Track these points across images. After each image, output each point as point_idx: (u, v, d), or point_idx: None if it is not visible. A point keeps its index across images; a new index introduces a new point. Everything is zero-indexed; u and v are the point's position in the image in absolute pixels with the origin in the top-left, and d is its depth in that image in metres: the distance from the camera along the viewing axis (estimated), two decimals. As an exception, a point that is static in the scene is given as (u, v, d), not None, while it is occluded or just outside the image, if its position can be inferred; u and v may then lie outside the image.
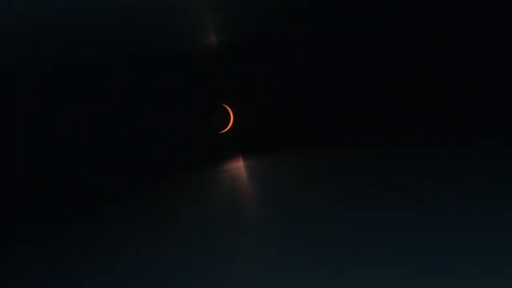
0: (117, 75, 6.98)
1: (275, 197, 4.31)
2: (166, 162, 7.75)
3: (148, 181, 7.08)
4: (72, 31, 5.16)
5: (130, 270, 2.92)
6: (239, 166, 6.80)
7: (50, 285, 3.00)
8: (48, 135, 7.27)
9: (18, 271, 3.49)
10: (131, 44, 6.14)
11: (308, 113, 8.44)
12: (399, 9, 6.93)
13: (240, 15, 5.92)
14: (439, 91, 7.48)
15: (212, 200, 4.87)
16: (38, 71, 6.16)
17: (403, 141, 6.10)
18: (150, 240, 3.58)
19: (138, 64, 6.92)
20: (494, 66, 6.77)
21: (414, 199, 3.13)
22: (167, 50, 6.66)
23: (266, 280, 2.29)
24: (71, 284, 2.91)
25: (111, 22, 5.13)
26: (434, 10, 6.94)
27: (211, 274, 2.53)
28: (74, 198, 6.76)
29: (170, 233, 3.70)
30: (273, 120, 8.35)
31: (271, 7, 5.89)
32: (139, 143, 7.76)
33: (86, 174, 7.41)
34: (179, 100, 7.93)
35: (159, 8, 5.00)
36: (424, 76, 7.61)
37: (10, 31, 4.76)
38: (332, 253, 2.44)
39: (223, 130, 8.37)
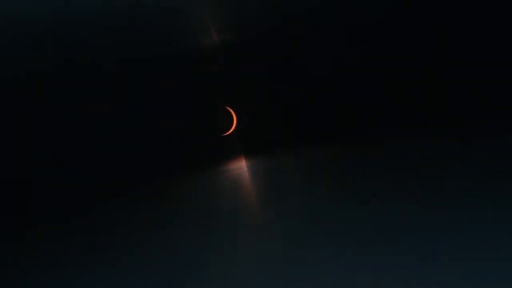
0: (118, 76, 6.98)
1: (277, 197, 4.31)
2: (168, 163, 7.75)
3: (150, 181, 7.08)
4: (72, 31, 5.16)
5: (131, 270, 2.92)
6: (241, 167, 6.80)
7: (50, 285, 3.00)
8: (48, 135, 7.27)
9: (18, 271, 3.49)
10: (131, 44, 6.14)
11: (308, 113, 8.44)
12: (399, 9, 6.92)
13: (240, 15, 5.92)
14: (439, 91, 7.48)
15: (214, 200, 4.87)
16: (38, 71, 6.16)
17: (404, 141, 6.10)
18: (151, 240, 3.58)
19: (138, 64, 6.92)
20: (494, 66, 6.77)
21: (414, 199, 3.13)
22: (167, 50, 6.66)
23: (268, 280, 2.29)
24: (71, 284, 2.91)
25: (111, 22, 5.13)
26: (434, 10, 6.94)
27: (212, 274, 2.53)
28: (75, 198, 6.76)
29: (172, 233, 3.70)
30: (274, 120, 8.35)
31: (271, 7, 5.89)
32: (141, 143, 7.76)
33: (91, 174, 7.41)
34: (181, 101, 7.93)
35: (159, 8, 5.00)
36: (424, 76, 7.61)
37: (9, 31, 4.76)
38: (334, 253, 2.44)
39: (226, 132, 8.38)
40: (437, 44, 7.33)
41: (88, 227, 4.70)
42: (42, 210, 6.38)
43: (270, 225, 3.34)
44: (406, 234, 2.51)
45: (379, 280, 2.01)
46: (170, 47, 6.54)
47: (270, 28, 6.85)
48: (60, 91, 6.93)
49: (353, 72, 7.98)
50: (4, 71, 5.83)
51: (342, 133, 7.77)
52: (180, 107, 8.00)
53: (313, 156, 6.56)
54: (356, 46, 7.66)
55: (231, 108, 8.40)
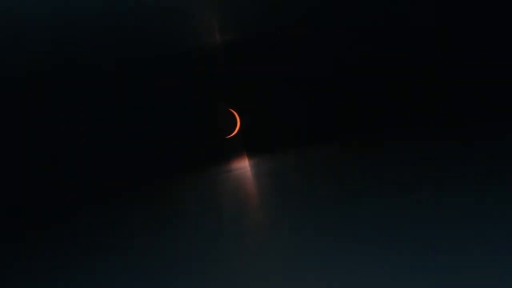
0: (118, 76, 6.98)
1: (279, 197, 4.31)
2: (171, 163, 7.76)
3: (152, 182, 7.09)
4: (72, 31, 5.17)
5: (133, 270, 2.92)
6: (243, 167, 6.80)
7: (50, 285, 3.00)
8: (48, 135, 7.27)
9: (18, 271, 3.49)
10: (131, 44, 6.14)
11: (309, 113, 8.44)
12: (398, 9, 6.92)
13: (240, 15, 5.92)
14: (439, 91, 7.48)
15: (217, 200, 4.87)
16: (38, 71, 6.16)
17: (404, 141, 6.10)
18: (154, 240, 3.58)
19: (139, 64, 6.92)
20: (494, 66, 6.77)
21: (415, 199, 3.13)
22: (167, 50, 6.66)
23: (270, 280, 2.29)
24: (71, 284, 2.91)
25: (111, 22, 5.14)
26: (434, 10, 6.94)
27: (214, 274, 2.53)
28: (75, 198, 6.76)
29: (173, 233, 3.70)
30: (275, 120, 8.36)
31: (272, 7, 5.89)
32: (143, 144, 7.77)
33: (91, 174, 7.41)
34: (182, 102, 7.94)
35: (159, 8, 5.00)
36: (424, 76, 7.61)
37: (10, 31, 4.76)
38: (336, 253, 2.44)
39: (229, 135, 8.40)
40: (437, 44, 7.34)
41: (89, 227, 4.71)
42: (42, 210, 6.38)
43: (271, 225, 3.34)
44: (407, 233, 2.51)
45: (380, 280, 2.01)
46: (170, 47, 6.54)
47: (270, 28, 6.85)
48: (60, 91, 6.93)
49: (354, 72, 7.98)
50: (4, 71, 5.83)
51: (343, 133, 7.77)
52: (181, 107, 8.01)
53: (315, 156, 6.56)
54: (356, 46, 7.66)
55: (232, 109, 8.41)
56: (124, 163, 7.58)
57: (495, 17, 6.65)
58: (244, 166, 6.90)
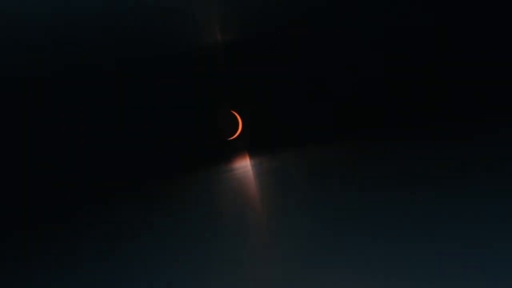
0: (119, 76, 6.98)
1: (281, 197, 4.31)
2: (170, 164, 7.76)
3: (153, 182, 7.09)
4: (72, 31, 5.17)
5: (134, 271, 2.92)
6: (245, 166, 6.80)
7: (51, 285, 3.00)
8: (48, 135, 7.27)
9: (18, 271, 3.49)
10: (132, 44, 6.14)
11: (309, 113, 8.44)
12: (398, 9, 6.93)
13: (240, 15, 5.92)
14: (439, 91, 7.48)
15: (219, 200, 4.87)
16: (38, 72, 6.16)
17: (405, 141, 6.10)
18: (155, 241, 3.58)
19: (139, 65, 6.92)
20: (494, 66, 6.77)
21: (415, 199, 3.13)
22: (167, 50, 6.66)
23: (271, 280, 2.28)
24: (71, 284, 2.91)
25: (111, 22, 5.14)
26: (434, 10, 6.94)
27: (216, 274, 2.53)
28: (78, 198, 6.76)
29: (175, 233, 3.70)
30: (276, 120, 8.36)
31: (272, 7, 5.89)
32: (144, 145, 7.77)
33: (93, 174, 7.42)
34: (183, 102, 7.94)
35: (159, 8, 5.00)
36: (424, 76, 7.61)
37: (10, 31, 4.76)
38: (338, 253, 2.43)
39: (231, 136, 8.41)
40: (437, 44, 7.34)
41: (90, 227, 4.70)
42: (41, 210, 6.38)
43: (273, 225, 3.34)
44: (408, 233, 2.51)
45: (381, 278, 2.01)
46: (170, 47, 6.54)
47: (270, 28, 6.85)
48: (60, 91, 6.93)
49: (353, 72, 7.98)
50: (4, 71, 5.83)
51: (344, 133, 7.77)
52: (182, 108, 8.01)
53: (316, 156, 6.56)
54: (357, 45, 7.66)
55: (233, 109, 8.42)
56: (124, 164, 7.58)
57: (495, 17, 6.65)
58: (245, 166, 6.90)
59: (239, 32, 6.58)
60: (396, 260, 2.14)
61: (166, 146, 7.89)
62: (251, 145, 8.34)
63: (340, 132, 7.93)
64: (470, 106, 6.85)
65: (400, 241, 2.36)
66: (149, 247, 3.33)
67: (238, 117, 8.38)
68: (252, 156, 7.69)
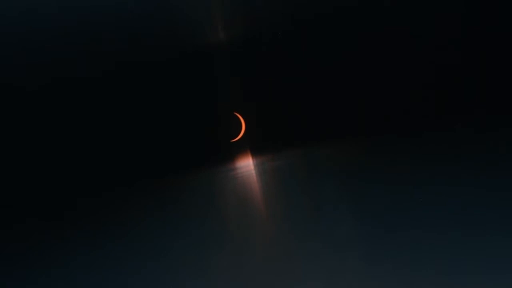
0: (120, 77, 6.98)
1: (283, 197, 4.32)
2: (173, 164, 7.75)
3: (155, 182, 7.09)
4: (72, 32, 5.17)
5: (135, 270, 2.92)
6: (248, 166, 6.80)
7: (50, 285, 3.00)
8: (48, 135, 7.27)
9: (18, 271, 3.49)
10: (131, 44, 6.14)
11: (310, 112, 8.44)
12: (398, 9, 6.93)
13: (241, 15, 5.93)
14: (439, 91, 7.47)
15: (220, 200, 4.87)
16: (38, 72, 6.16)
17: (405, 141, 6.10)
18: (157, 240, 3.59)
19: (139, 66, 6.92)
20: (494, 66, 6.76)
21: (416, 199, 3.14)
22: (167, 50, 6.66)
23: (272, 279, 2.29)
24: (71, 284, 2.91)
25: (112, 23, 5.14)
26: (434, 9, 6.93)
27: (217, 274, 2.53)
28: (83, 197, 6.76)
29: (176, 233, 3.71)
30: (277, 120, 8.35)
31: (272, 7, 5.89)
32: (144, 144, 7.76)
33: (98, 174, 7.40)
34: (184, 103, 7.93)
35: (159, 9, 5.00)
36: (423, 75, 7.60)
37: (9, 32, 4.77)
38: (339, 252, 2.44)
39: (234, 138, 8.39)
40: (437, 43, 7.33)
41: (91, 227, 4.71)
42: (41, 210, 6.38)
43: (275, 225, 3.35)
44: (409, 232, 2.51)
45: (382, 279, 2.01)
46: (171, 47, 6.54)
47: (270, 28, 6.85)
48: (60, 91, 6.93)
49: (354, 71, 7.98)
50: (4, 71, 5.83)
51: (344, 132, 7.76)
52: (183, 109, 8.00)
53: (317, 155, 6.55)
54: (357, 45, 7.65)
55: (233, 109, 8.40)
56: (125, 164, 7.58)
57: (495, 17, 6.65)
58: (248, 165, 6.90)
59: (240, 32, 6.58)
60: (397, 260, 2.14)
61: (167, 147, 7.89)
62: (254, 145, 8.34)
63: (341, 132, 7.92)
64: (470, 105, 6.84)
65: (400, 241, 2.36)
66: (151, 247, 3.32)
67: (241, 119, 8.38)
68: (255, 156, 7.69)
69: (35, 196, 6.98)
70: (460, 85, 7.28)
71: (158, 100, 7.89)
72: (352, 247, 2.43)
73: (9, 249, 4.40)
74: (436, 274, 1.90)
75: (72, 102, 7.22)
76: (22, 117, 6.94)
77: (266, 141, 8.35)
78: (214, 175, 6.57)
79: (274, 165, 6.41)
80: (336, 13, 6.67)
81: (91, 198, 6.62)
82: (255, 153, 8.02)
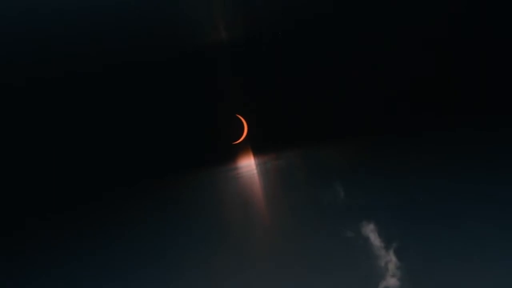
0: (120, 77, 6.98)
1: (284, 197, 4.32)
2: (174, 165, 7.73)
3: (157, 182, 7.07)
4: (72, 31, 5.17)
5: (138, 269, 2.92)
6: (249, 166, 6.79)
7: (50, 284, 3.00)
8: (48, 135, 7.26)
9: (19, 271, 3.49)
10: (132, 44, 6.14)
11: (310, 112, 8.43)
12: (398, 9, 6.93)
13: (241, 15, 5.93)
14: (439, 90, 7.47)
15: (221, 199, 4.87)
16: (38, 72, 6.16)
17: (406, 140, 6.09)
18: (159, 240, 3.59)
19: (141, 67, 6.92)
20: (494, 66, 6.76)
21: (416, 198, 3.14)
22: (167, 50, 6.66)
23: (274, 278, 2.29)
24: (71, 283, 2.91)
25: (112, 23, 5.14)
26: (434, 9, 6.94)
27: (218, 274, 2.53)
28: (85, 197, 6.74)
29: (177, 233, 3.71)
30: (277, 120, 8.34)
31: (272, 7, 5.89)
32: (144, 145, 7.75)
33: (100, 174, 7.38)
34: (184, 103, 7.92)
35: (159, 9, 5.00)
36: (424, 76, 7.60)
37: (9, 32, 4.77)
38: (339, 252, 2.44)
39: (237, 140, 8.38)
40: (437, 43, 7.33)
41: (93, 227, 4.71)
42: (41, 210, 6.37)
43: (276, 224, 3.35)
44: (409, 232, 2.51)
45: (384, 278, 2.01)
46: (171, 47, 6.54)
47: (270, 28, 6.85)
48: (60, 91, 6.93)
49: (354, 71, 7.97)
50: (4, 71, 5.83)
51: (345, 133, 7.76)
52: (184, 110, 7.99)
53: (318, 156, 6.55)
54: (358, 45, 7.65)
55: (233, 109, 8.39)
56: (127, 165, 7.58)
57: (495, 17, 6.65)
58: (250, 166, 6.89)
59: (240, 32, 6.58)
60: (397, 259, 2.14)
61: (167, 147, 7.88)
62: (255, 146, 8.33)
63: (340, 132, 7.91)
64: (469, 105, 6.83)
65: (401, 241, 2.36)
66: (151, 246, 3.33)
67: (244, 121, 8.36)
68: (256, 157, 7.68)
69: (36, 196, 6.97)
70: (460, 85, 7.27)
71: (159, 100, 7.88)
72: (352, 247, 2.43)
73: (9, 249, 4.39)
74: (436, 273, 1.90)
75: (72, 102, 7.22)
76: (22, 117, 6.93)
77: (267, 141, 8.34)
78: (216, 175, 6.57)
79: (275, 165, 6.41)
80: (336, 13, 6.67)
81: (92, 198, 6.62)
82: (256, 153, 8.01)
